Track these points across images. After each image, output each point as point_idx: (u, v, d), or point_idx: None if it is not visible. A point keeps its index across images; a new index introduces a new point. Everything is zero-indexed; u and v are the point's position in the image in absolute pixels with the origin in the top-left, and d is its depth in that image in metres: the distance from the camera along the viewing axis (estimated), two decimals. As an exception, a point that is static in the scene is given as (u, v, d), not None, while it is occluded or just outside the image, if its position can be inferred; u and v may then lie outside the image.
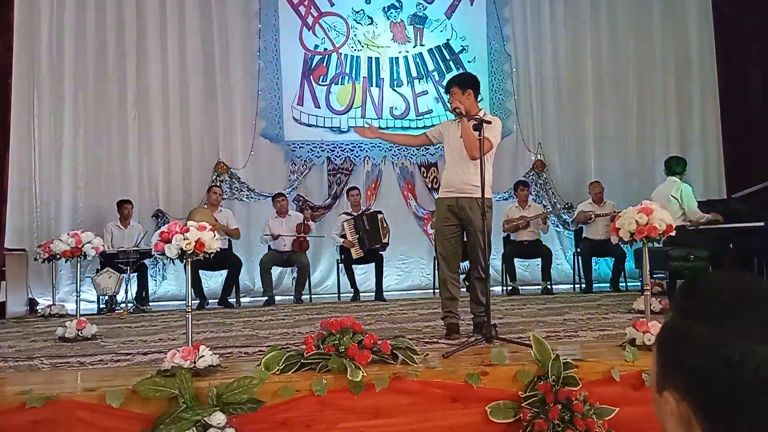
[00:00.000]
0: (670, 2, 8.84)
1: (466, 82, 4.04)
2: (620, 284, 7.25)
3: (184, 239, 2.87)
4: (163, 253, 2.90)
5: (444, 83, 4.52)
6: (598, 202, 7.47)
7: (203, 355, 2.80)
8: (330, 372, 2.72)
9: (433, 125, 6.36)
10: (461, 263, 4.12)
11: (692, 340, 0.67)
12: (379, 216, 7.14)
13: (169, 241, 2.88)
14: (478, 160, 3.69)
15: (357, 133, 4.54)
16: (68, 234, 4.44)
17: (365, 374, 2.69)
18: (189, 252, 2.88)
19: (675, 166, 5.95)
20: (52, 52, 7.58)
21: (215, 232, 3.04)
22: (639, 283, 6.44)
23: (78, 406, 2.54)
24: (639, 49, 8.76)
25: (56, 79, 7.57)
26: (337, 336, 2.87)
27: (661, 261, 5.26)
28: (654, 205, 3.30)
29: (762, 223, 5.17)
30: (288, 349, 2.91)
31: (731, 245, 5.79)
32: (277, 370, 2.75)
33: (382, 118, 8.31)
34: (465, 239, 4.04)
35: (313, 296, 7.29)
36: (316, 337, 2.94)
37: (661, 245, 4.97)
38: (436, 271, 5.54)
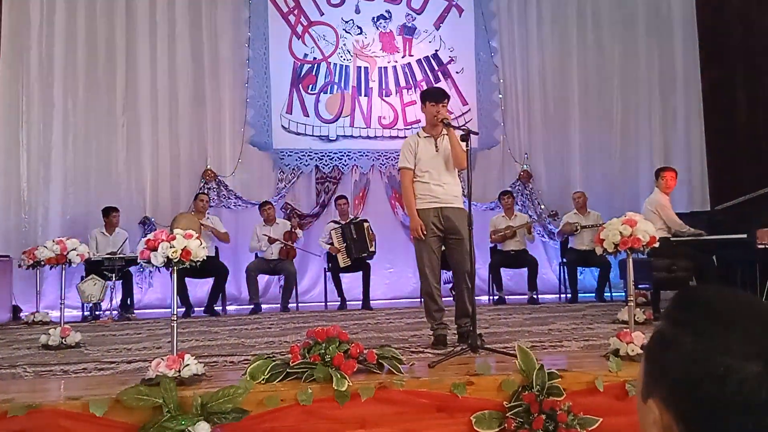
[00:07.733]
0: (655, 17, 8.95)
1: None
2: (605, 294, 7.29)
3: (171, 247, 2.87)
4: (149, 261, 2.90)
5: (422, 92, 4.36)
6: (581, 210, 7.54)
7: (188, 364, 2.79)
8: (315, 381, 2.72)
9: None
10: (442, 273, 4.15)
11: (678, 349, 0.66)
12: (365, 224, 7.15)
13: (155, 249, 2.88)
14: (455, 171, 3.72)
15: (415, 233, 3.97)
16: (53, 241, 4.41)
17: (351, 384, 2.70)
18: (175, 260, 2.87)
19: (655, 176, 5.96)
20: (41, 57, 7.53)
21: (201, 239, 3.04)
22: (623, 294, 6.48)
23: (61, 415, 2.52)
24: (624, 62, 8.86)
25: (45, 85, 7.52)
26: (323, 345, 2.87)
27: (645, 272, 5.31)
28: (637, 216, 3.34)
29: (744, 236, 5.23)
30: (273, 359, 2.91)
31: (714, 257, 5.85)
32: (263, 380, 2.75)
33: (370, 127, 8.34)
34: (444, 249, 4.08)
35: (299, 305, 7.27)
36: (301, 346, 2.94)
37: (645, 256, 5.01)
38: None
